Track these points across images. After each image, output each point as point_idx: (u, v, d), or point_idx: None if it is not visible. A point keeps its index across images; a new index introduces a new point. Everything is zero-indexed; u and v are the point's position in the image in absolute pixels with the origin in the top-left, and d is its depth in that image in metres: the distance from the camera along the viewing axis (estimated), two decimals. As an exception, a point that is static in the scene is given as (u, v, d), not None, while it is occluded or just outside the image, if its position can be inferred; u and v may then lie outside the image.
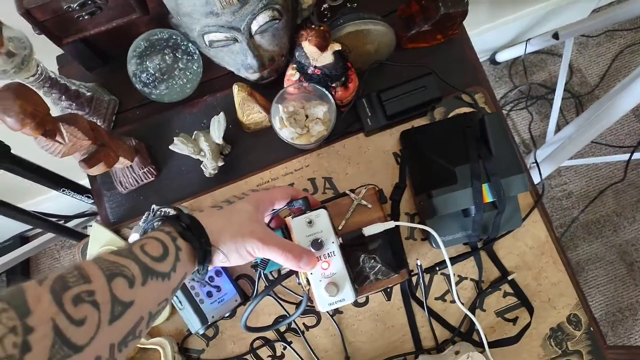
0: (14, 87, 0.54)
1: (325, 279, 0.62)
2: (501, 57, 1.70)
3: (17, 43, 0.64)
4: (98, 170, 0.69)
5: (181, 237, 0.50)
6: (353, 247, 0.66)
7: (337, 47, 0.69)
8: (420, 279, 0.78)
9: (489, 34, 1.64)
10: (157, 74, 0.84)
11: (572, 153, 1.11)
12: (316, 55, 0.70)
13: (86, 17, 0.69)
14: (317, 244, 0.62)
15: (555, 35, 1.37)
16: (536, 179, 1.05)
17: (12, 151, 0.86)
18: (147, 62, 0.83)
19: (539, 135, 1.70)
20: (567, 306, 0.80)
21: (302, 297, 0.65)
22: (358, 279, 0.66)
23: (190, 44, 0.84)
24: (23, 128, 0.54)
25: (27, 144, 0.70)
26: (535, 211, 0.82)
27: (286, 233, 0.70)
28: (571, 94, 1.71)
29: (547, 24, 1.70)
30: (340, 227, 0.68)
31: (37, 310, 0.35)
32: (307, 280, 0.63)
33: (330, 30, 0.76)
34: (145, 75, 0.83)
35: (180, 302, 0.74)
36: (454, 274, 0.81)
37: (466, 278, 0.81)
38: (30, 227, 1.51)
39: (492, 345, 0.78)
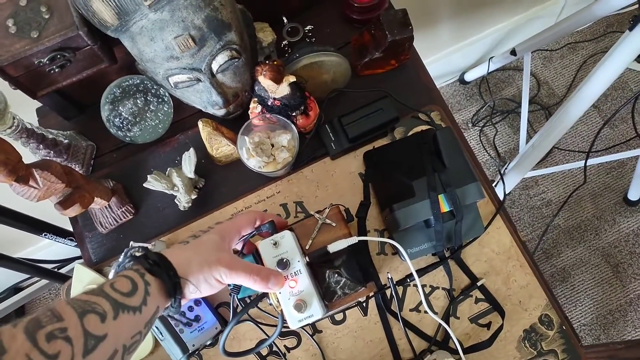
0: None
1: (293, 296, 0.65)
2: (469, 76, 1.77)
3: (-8, 99, 0.69)
4: (74, 211, 0.73)
5: (149, 273, 0.53)
6: (320, 264, 0.69)
7: (292, 79, 0.74)
8: (393, 292, 0.81)
9: (454, 56, 1.71)
10: (130, 118, 0.88)
11: (535, 162, 1.16)
12: (273, 88, 0.75)
13: (57, 70, 0.74)
14: (283, 264, 0.65)
15: (513, 52, 1.44)
16: (503, 192, 1.09)
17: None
18: (120, 107, 0.88)
19: (513, 148, 1.75)
20: (537, 307, 0.83)
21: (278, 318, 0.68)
22: (327, 295, 0.69)
23: (160, 88, 0.89)
24: (-3, 176, 0.59)
25: (4, 192, 0.74)
26: (499, 218, 0.86)
27: (258, 258, 0.74)
28: (540, 106, 1.77)
29: (511, 41, 1.78)
30: (307, 247, 0.71)
31: (12, 348, 0.38)
32: (278, 300, 0.66)
33: (287, 64, 0.82)
34: (118, 119, 0.88)
35: (160, 333, 0.76)
36: (426, 285, 0.84)
37: (438, 287, 0.84)
38: (24, 277, 1.54)
39: (467, 351, 0.80)
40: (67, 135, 0.89)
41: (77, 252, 1.32)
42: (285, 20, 0.96)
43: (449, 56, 1.68)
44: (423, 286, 0.83)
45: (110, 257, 0.89)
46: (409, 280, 0.83)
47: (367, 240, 0.82)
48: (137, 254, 0.58)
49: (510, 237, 0.86)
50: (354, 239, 0.70)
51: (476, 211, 0.81)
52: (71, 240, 0.95)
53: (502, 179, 0.98)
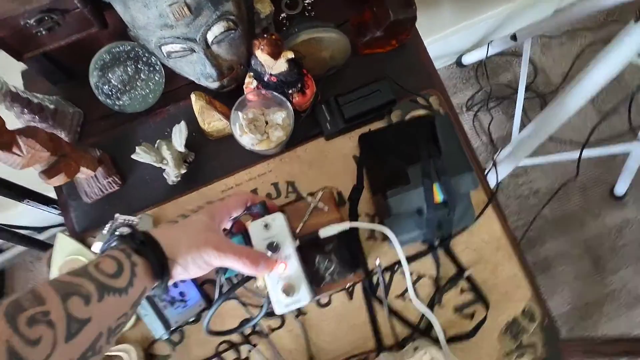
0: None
1: (281, 280, 0.64)
2: (467, 59, 1.75)
3: (-26, 59, 0.65)
4: (58, 180, 0.70)
5: (136, 253, 0.52)
6: (310, 248, 0.68)
7: (290, 54, 0.72)
8: (380, 279, 0.81)
9: (453, 37, 1.68)
10: (119, 86, 0.85)
11: (529, 152, 1.15)
12: (270, 63, 0.72)
13: (44, 32, 0.70)
14: (273, 247, 0.64)
15: (514, 37, 1.41)
16: (494, 180, 1.09)
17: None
18: (110, 74, 0.85)
19: (507, 134, 1.75)
20: (523, 298, 0.83)
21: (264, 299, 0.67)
22: (315, 280, 0.68)
23: (152, 56, 0.85)
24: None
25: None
26: (490, 208, 0.85)
27: (247, 238, 0.72)
28: (536, 94, 1.76)
29: (510, 25, 1.75)
30: (298, 230, 0.70)
31: None
32: (265, 283, 0.65)
33: (285, 38, 0.79)
34: (107, 87, 0.85)
35: (143, 308, 0.75)
36: (413, 273, 0.83)
37: (424, 276, 0.83)
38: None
39: (449, 341, 0.80)
40: (53, 100, 0.86)
41: (59, 219, 1.30)
42: (286, -6, 0.93)
43: (447, 37, 1.65)
44: (410, 273, 0.83)
45: (94, 227, 0.86)
46: (396, 267, 0.82)
47: (356, 213, 0.81)
48: (124, 233, 0.56)
49: (501, 227, 0.85)
50: (346, 225, 0.69)
51: (468, 200, 0.80)
52: (55, 208, 0.93)
53: (495, 167, 0.97)
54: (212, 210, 0.61)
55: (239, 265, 0.58)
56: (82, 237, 0.86)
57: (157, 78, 0.87)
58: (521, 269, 0.84)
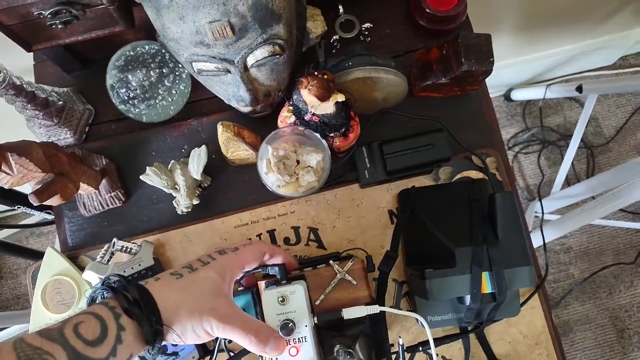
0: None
1: (291, 371, 0.54)
2: (517, 95, 1.62)
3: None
4: (52, 202, 0.60)
5: (126, 314, 0.43)
6: (329, 330, 0.58)
7: (340, 97, 0.61)
8: (400, 356, 0.71)
9: (508, 70, 1.55)
10: (138, 91, 0.75)
11: (579, 225, 1.03)
12: (315, 104, 0.61)
13: (60, 26, 0.60)
14: (288, 328, 0.54)
15: (579, 89, 1.28)
16: (536, 242, 0.97)
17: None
18: (130, 76, 0.75)
19: (546, 182, 1.62)
20: (555, 405, 0.73)
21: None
22: (328, 366, 0.58)
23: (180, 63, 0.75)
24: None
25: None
26: (536, 298, 0.74)
27: (256, 297, 0.63)
28: (584, 144, 1.63)
29: (570, 65, 1.62)
30: (318, 302, 0.60)
31: None
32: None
33: (336, 71, 0.68)
34: (124, 90, 0.75)
35: (127, 359, 0.66)
36: (438, 355, 0.73)
37: (450, 361, 0.73)
38: None
39: None
40: (62, 94, 0.76)
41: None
42: (341, 10, 0.81)
43: (500, 69, 1.52)
44: (436, 354, 0.73)
45: (89, 244, 0.77)
46: (421, 348, 0.72)
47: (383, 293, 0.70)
48: (116, 284, 0.46)
49: (544, 320, 0.74)
50: (375, 308, 0.58)
51: (517, 291, 0.69)
52: (48, 214, 0.83)
53: (543, 237, 0.86)
54: (223, 266, 0.52)
55: (244, 342, 0.49)
56: (74, 253, 0.76)
57: (182, 87, 0.76)
58: (559, 372, 0.73)
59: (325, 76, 0.58)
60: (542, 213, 1.21)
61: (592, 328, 1.53)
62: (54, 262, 0.73)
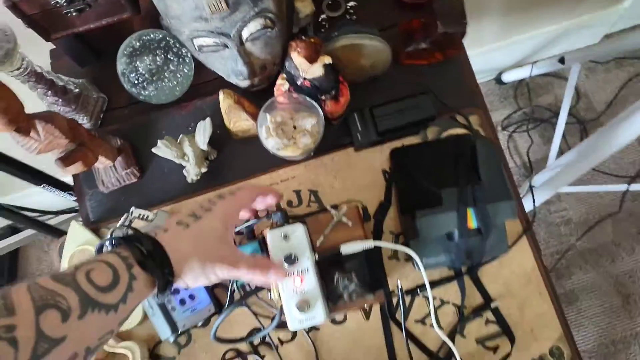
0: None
1: (297, 295, 0.60)
2: (507, 77, 1.68)
3: (0, 36, 0.63)
4: (75, 169, 0.68)
5: (139, 266, 0.46)
6: (329, 264, 0.64)
7: (327, 60, 0.68)
8: (400, 301, 0.76)
9: (496, 53, 1.62)
10: (146, 75, 0.83)
11: (570, 180, 1.09)
12: (305, 67, 0.68)
13: (74, 13, 0.68)
14: (291, 260, 0.60)
15: (562, 60, 1.35)
16: (530, 206, 1.03)
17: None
18: (138, 62, 0.82)
19: (541, 158, 1.67)
20: (550, 339, 0.77)
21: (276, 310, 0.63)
22: (331, 298, 0.64)
23: (183, 47, 0.83)
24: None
25: (6, 139, 0.69)
26: (524, 239, 0.80)
27: (263, 245, 0.69)
28: (577, 119, 1.68)
29: (556, 46, 1.68)
30: (318, 243, 0.66)
31: None
32: (280, 296, 0.62)
33: (324, 41, 0.75)
34: (134, 75, 0.82)
35: (151, 308, 0.72)
36: (436, 298, 0.79)
37: (448, 302, 0.78)
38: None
39: (469, 373, 0.75)
40: (78, 84, 0.84)
41: (72, 204, 1.28)
42: (329, -5, 0.89)
43: (490, 52, 1.59)
44: (433, 298, 0.78)
45: (109, 217, 0.84)
46: (419, 291, 0.78)
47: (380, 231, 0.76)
48: (128, 235, 0.49)
49: (533, 260, 0.80)
50: (370, 243, 0.65)
51: (503, 229, 0.75)
52: (70, 194, 0.91)
53: (532, 193, 0.91)
54: (225, 213, 0.56)
55: (249, 277, 0.54)
56: (96, 226, 0.83)
57: (186, 70, 0.84)
58: (552, 307, 0.78)
59: (312, 39, 0.65)
60: (532, 173, 1.26)
61: (598, 296, 1.56)
62: (78, 235, 0.81)
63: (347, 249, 0.63)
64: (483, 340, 0.78)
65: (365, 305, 0.66)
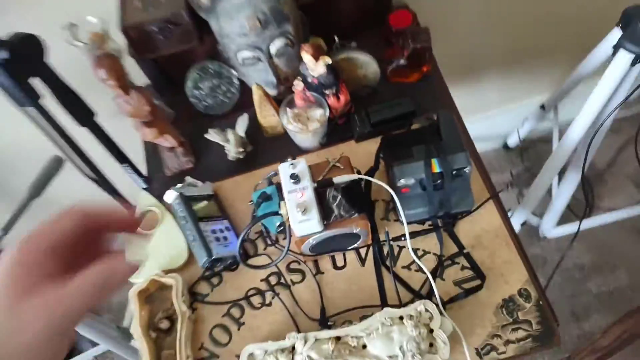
0: (107, 55, 0.85)
1: (299, 205, 0.82)
2: (511, 141, 1.92)
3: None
4: (151, 134, 0.97)
5: None
6: (324, 191, 0.86)
7: (327, 59, 0.97)
8: (388, 247, 0.95)
9: (501, 118, 1.86)
10: (206, 92, 1.15)
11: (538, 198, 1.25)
12: (312, 65, 0.98)
13: (160, 37, 1.02)
14: (295, 177, 0.83)
15: (542, 107, 1.59)
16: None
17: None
18: (199, 84, 1.15)
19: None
20: (518, 281, 0.92)
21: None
22: (326, 215, 0.84)
23: (232, 76, 1.15)
24: (109, 79, 0.84)
25: (109, 123, 1.00)
26: (492, 203, 0.98)
27: (279, 190, 0.92)
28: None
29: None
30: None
31: None
32: (287, 212, 0.83)
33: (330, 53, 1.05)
34: (197, 92, 1.15)
35: (192, 236, 0.95)
36: (419, 249, 0.96)
37: (429, 252, 0.96)
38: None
39: (446, 303, 0.90)
40: (158, 104, 1.17)
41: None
42: (337, 40, 1.21)
43: (493, 117, 1.84)
44: (417, 249, 0.96)
45: (169, 194, 1.11)
46: (403, 238, 0.96)
47: (369, 188, 0.99)
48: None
49: (500, 220, 0.97)
50: (355, 175, 0.87)
51: (468, 185, 0.95)
52: (140, 176, 1.17)
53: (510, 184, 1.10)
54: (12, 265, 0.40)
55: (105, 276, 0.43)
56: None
57: (233, 91, 1.15)
58: (517, 256, 0.94)
59: (317, 42, 0.96)
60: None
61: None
62: (145, 200, 1.07)
63: (338, 179, 0.86)
64: (460, 282, 0.93)
65: (354, 224, 0.85)
